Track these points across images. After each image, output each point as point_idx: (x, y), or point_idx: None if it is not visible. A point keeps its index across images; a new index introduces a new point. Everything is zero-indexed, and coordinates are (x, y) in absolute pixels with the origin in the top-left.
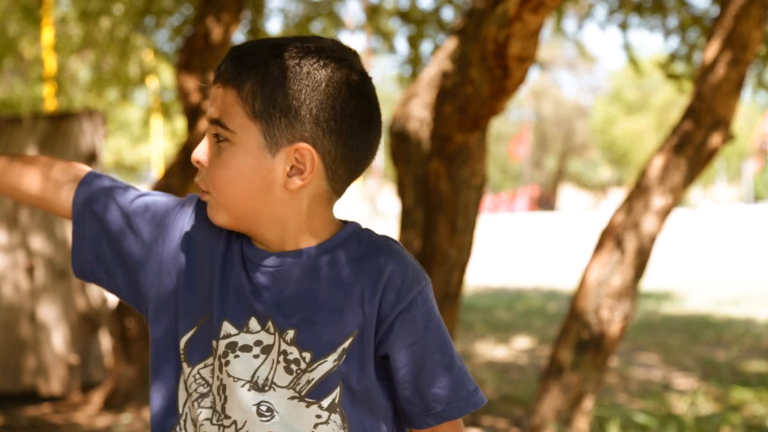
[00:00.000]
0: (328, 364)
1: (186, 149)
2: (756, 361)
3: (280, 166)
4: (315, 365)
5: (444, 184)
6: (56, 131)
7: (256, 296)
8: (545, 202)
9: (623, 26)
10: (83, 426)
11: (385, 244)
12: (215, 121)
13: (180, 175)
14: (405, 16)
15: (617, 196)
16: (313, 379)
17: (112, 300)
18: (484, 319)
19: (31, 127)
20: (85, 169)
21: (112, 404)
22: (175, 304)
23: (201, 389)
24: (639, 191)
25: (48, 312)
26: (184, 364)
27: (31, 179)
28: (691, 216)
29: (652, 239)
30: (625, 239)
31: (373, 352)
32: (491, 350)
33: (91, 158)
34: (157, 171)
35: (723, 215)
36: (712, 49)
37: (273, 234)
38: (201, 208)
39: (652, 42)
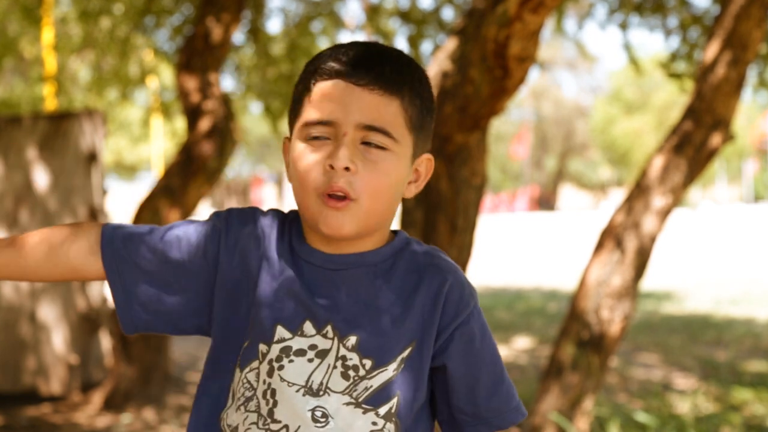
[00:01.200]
0: (389, 372)
1: (186, 149)
2: (756, 361)
3: (410, 175)
4: (375, 373)
5: (444, 184)
6: (56, 131)
7: (311, 298)
8: (545, 202)
9: (623, 26)
10: (83, 426)
11: (443, 259)
12: (372, 128)
13: (180, 175)
14: (405, 16)
15: (617, 196)
16: (371, 386)
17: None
18: None
19: (31, 127)
20: (96, 225)
21: (112, 404)
22: (241, 320)
23: (247, 393)
24: (639, 191)
25: (48, 312)
26: (237, 371)
27: (46, 262)
28: (691, 216)
29: (652, 239)
30: (625, 239)
31: (429, 363)
32: None
33: (91, 158)
34: (157, 171)
35: (723, 215)
36: (713, 49)
37: (370, 241)
38: (235, 220)
39: (653, 42)
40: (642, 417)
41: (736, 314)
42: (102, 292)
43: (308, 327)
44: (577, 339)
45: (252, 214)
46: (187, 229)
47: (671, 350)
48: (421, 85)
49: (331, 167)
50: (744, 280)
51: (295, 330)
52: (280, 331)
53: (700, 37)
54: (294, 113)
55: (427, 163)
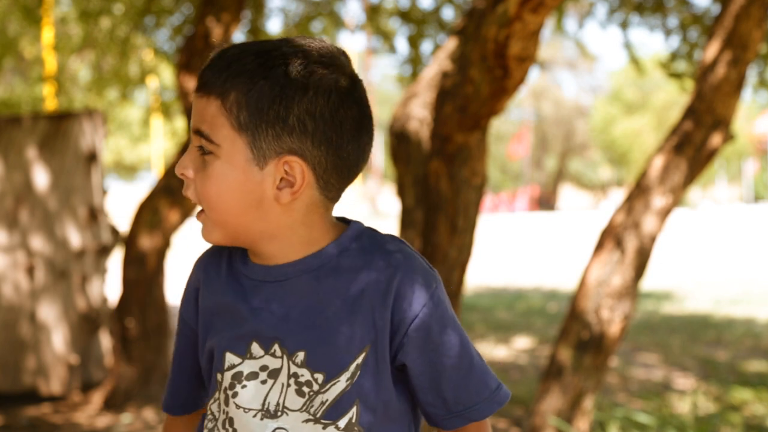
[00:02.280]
0: (342, 384)
1: (186, 149)
2: (756, 361)
3: (269, 179)
4: (328, 386)
5: (444, 184)
6: (56, 131)
7: (256, 317)
8: (545, 202)
9: (624, 25)
10: (83, 426)
11: (391, 248)
12: (198, 133)
13: None
14: (405, 16)
15: (617, 196)
16: (327, 400)
17: (112, 300)
18: (484, 319)
19: (31, 127)
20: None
21: (112, 404)
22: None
23: (209, 425)
24: (639, 191)
25: (48, 312)
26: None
27: None
28: (691, 216)
29: (653, 239)
30: (625, 239)
31: (389, 363)
32: (491, 350)
33: (91, 158)
34: (157, 171)
35: (723, 215)
36: (713, 49)
37: (272, 248)
38: (195, 269)
39: (653, 41)
40: (642, 417)
41: (736, 314)
42: (102, 292)
43: (256, 348)
44: (577, 339)
45: (201, 259)
46: (185, 304)
47: (671, 350)
48: (255, 82)
49: None
50: (744, 280)
51: (244, 353)
52: (230, 358)
53: (700, 36)
54: None
55: (296, 166)
